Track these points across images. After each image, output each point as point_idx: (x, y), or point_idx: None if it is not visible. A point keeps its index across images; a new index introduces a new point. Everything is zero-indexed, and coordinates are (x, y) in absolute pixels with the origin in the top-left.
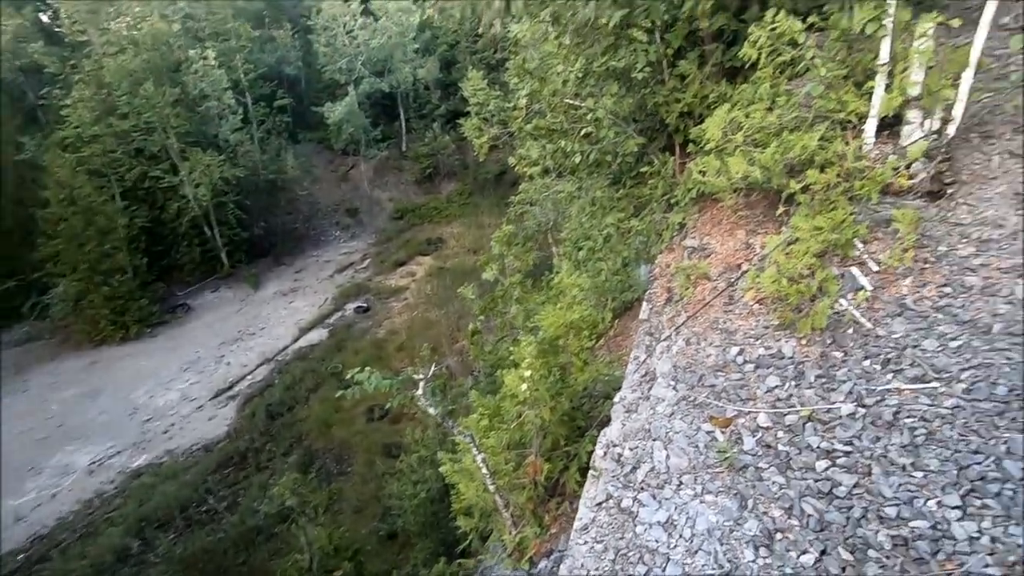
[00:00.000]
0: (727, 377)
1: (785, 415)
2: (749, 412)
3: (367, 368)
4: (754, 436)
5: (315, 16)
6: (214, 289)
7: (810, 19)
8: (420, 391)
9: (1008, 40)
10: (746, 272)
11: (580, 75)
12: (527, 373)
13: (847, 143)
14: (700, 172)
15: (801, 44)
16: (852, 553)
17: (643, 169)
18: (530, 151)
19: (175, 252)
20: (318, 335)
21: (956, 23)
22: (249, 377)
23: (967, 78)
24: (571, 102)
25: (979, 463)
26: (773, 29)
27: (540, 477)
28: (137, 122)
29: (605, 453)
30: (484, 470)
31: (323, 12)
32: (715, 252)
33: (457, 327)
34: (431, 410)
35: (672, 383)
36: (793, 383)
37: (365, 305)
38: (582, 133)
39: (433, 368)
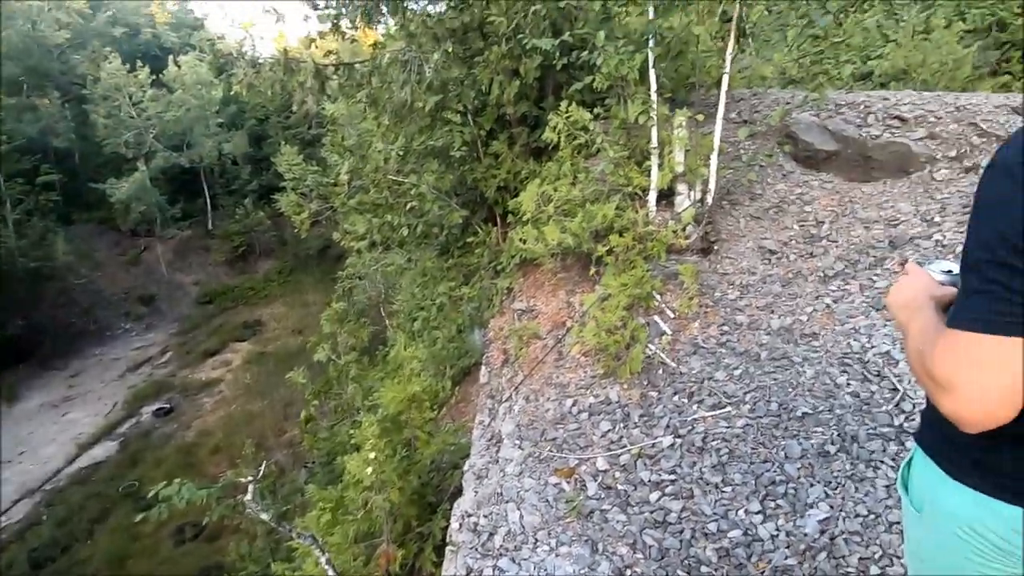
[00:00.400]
0: (566, 428)
1: (619, 456)
2: (589, 458)
3: (176, 480)
4: (596, 480)
5: (91, 85)
6: None
7: (596, 110)
8: (249, 495)
9: (737, 130)
10: (570, 328)
11: (401, 153)
12: (372, 455)
13: (637, 211)
14: (520, 240)
15: (591, 130)
16: (688, 573)
17: (469, 239)
18: (356, 226)
19: None
20: (104, 450)
21: (700, 117)
22: (2, 519)
23: (713, 159)
24: (394, 178)
25: (768, 470)
26: (568, 117)
27: (394, 566)
28: None
29: (460, 525)
30: (331, 572)
31: (102, 81)
32: (542, 312)
33: (284, 416)
34: (263, 515)
35: (517, 442)
36: (622, 425)
37: (167, 406)
38: (407, 208)
39: (263, 466)
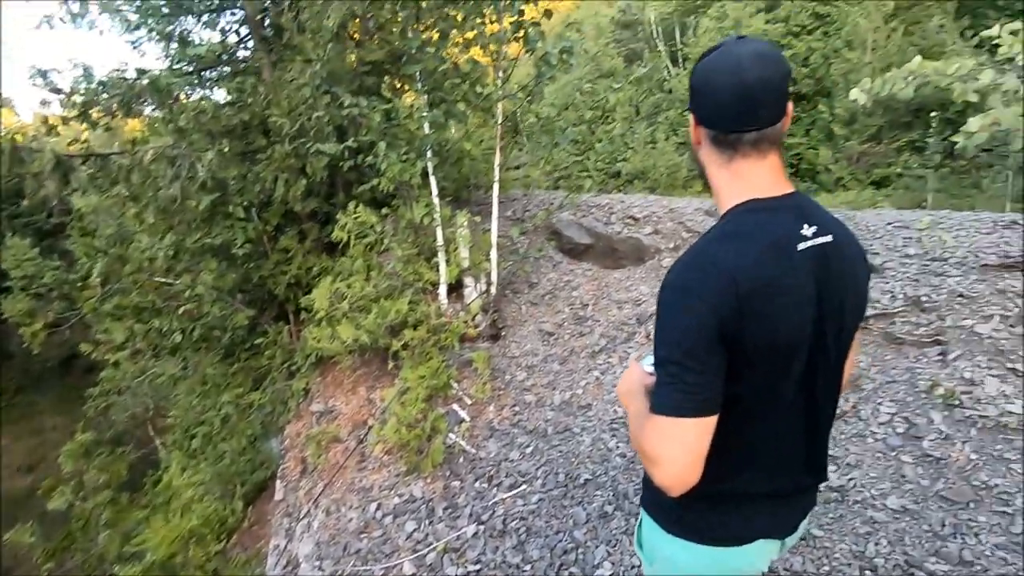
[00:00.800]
0: (370, 537)
1: (425, 555)
2: (395, 565)
3: None
4: None
5: None
6: None
7: (385, 210)
8: None
9: (511, 228)
10: (371, 427)
11: (171, 252)
12: None
13: (429, 304)
14: (315, 339)
15: (379, 230)
16: None
17: (258, 340)
18: (112, 333)
19: None
20: None
21: (477, 219)
22: None
23: (493, 254)
24: (162, 279)
25: (560, 540)
26: (356, 217)
27: None
28: None
29: None
30: None
31: None
32: (342, 412)
33: None
34: None
35: (317, 564)
36: (427, 522)
37: None
38: (180, 311)
39: None
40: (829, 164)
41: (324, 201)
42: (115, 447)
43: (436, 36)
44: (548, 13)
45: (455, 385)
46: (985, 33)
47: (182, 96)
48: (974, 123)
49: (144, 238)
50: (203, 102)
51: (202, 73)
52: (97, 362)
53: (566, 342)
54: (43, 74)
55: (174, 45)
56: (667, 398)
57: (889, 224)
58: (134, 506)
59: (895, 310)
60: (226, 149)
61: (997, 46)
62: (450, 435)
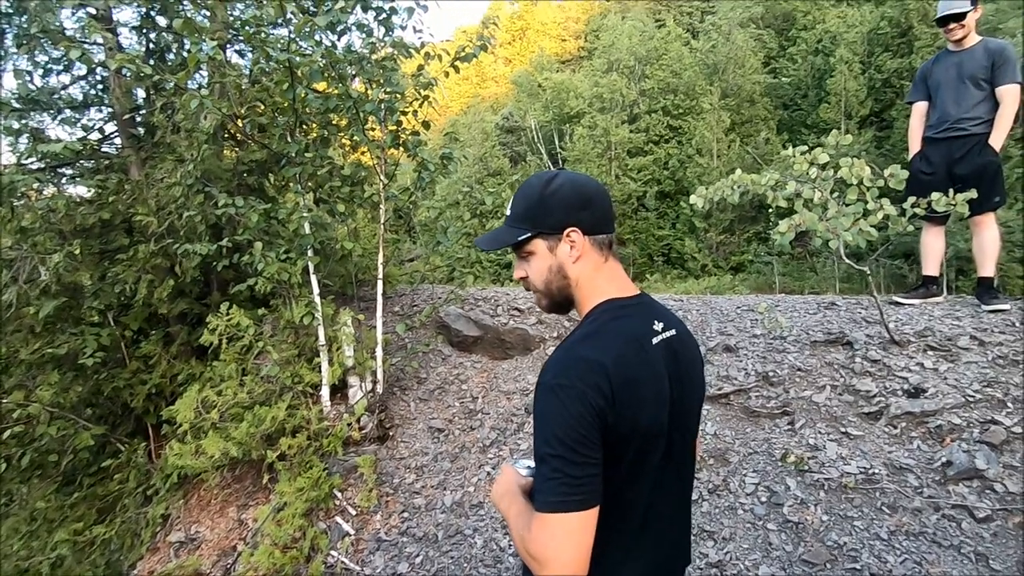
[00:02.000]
0: None
1: None
2: None
3: None
4: None
5: None
6: None
7: (262, 310)
8: None
9: (397, 324)
10: (240, 553)
11: (1, 365)
12: None
13: (310, 408)
14: (176, 455)
15: (253, 332)
16: None
17: (106, 463)
18: None
19: None
20: None
21: (362, 317)
22: None
23: (379, 352)
24: None
25: None
26: (229, 319)
27: None
28: None
29: None
30: None
31: None
32: (206, 540)
33: None
34: None
35: None
36: None
37: None
38: (6, 435)
39: None
40: (695, 253)
41: (195, 302)
42: None
43: (316, 138)
44: (426, 124)
45: (338, 495)
46: (783, 152)
47: (31, 194)
48: (783, 225)
49: None
50: (54, 199)
51: (56, 170)
52: None
53: (456, 438)
54: None
55: (24, 141)
56: (552, 494)
57: (739, 308)
58: None
59: (749, 386)
60: (77, 251)
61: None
62: (332, 552)
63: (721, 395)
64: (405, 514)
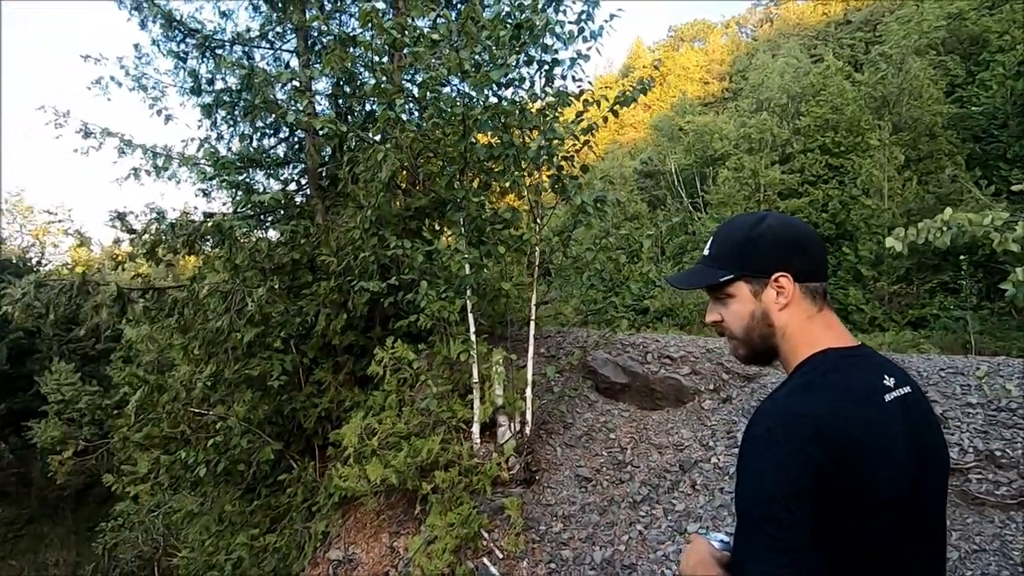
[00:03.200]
0: None
1: None
2: None
3: None
4: None
5: None
6: None
7: (421, 345)
8: None
9: (546, 365)
10: None
11: (210, 383)
12: None
13: (462, 444)
14: (341, 477)
15: (414, 366)
16: None
17: (281, 476)
18: (138, 464)
19: None
20: None
21: (514, 357)
22: None
23: (528, 393)
24: (196, 410)
25: None
26: (393, 352)
27: None
28: None
29: None
30: None
31: None
32: (362, 562)
33: None
34: None
35: None
36: None
37: None
38: (210, 443)
39: None
40: (861, 304)
41: (361, 335)
42: None
43: (477, 184)
44: (584, 168)
45: (486, 535)
46: (1017, 187)
47: (241, 237)
48: (1021, 272)
49: (184, 368)
50: (259, 242)
51: (262, 217)
52: (115, 494)
53: (604, 489)
54: (121, 217)
55: (240, 193)
56: (762, 561)
57: (942, 370)
58: None
59: (968, 465)
60: (276, 286)
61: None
62: None
63: None
64: (552, 565)
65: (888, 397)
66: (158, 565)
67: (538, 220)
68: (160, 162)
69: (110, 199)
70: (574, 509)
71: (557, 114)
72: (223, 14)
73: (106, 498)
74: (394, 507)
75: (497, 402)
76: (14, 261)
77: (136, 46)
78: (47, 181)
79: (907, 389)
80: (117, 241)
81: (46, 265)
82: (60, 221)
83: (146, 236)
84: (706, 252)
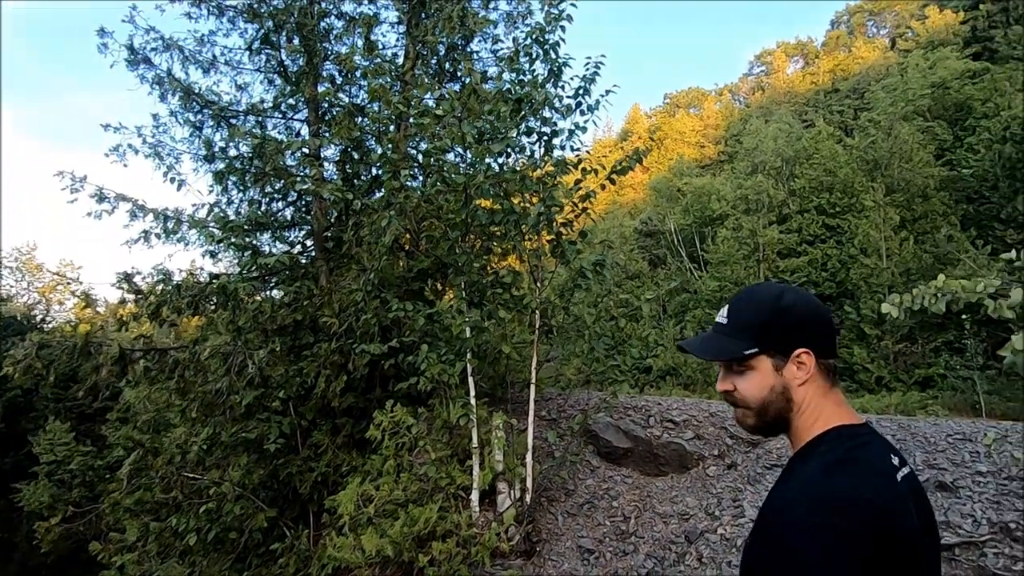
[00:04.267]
0: None
1: None
2: None
3: None
4: None
5: None
6: None
7: (421, 409)
8: None
9: (547, 430)
10: None
11: (205, 446)
12: None
13: (460, 512)
14: (335, 547)
15: (413, 431)
16: None
17: (273, 546)
18: (127, 531)
19: None
20: None
21: (514, 421)
22: None
23: (529, 459)
24: (190, 475)
25: None
26: (392, 416)
27: None
28: None
29: None
30: None
31: None
32: None
33: None
34: None
35: None
36: None
37: None
38: (202, 509)
39: None
40: (866, 363)
41: (361, 397)
42: None
43: (479, 248)
44: (583, 234)
45: None
46: (1004, 256)
47: (245, 298)
48: (1018, 341)
49: (180, 430)
50: (263, 303)
51: (267, 278)
52: (100, 562)
53: (608, 562)
54: (128, 278)
55: (247, 255)
56: None
57: (950, 436)
58: None
59: (983, 538)
60: (277, 347)
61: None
62: None
63: (944, 547)
64: None
65: (898, 476)
66: None
67: (538, 283)
68: (170, 225)
69: (119, 259)
70: None
71: (556, 182)
72: (239, 87)
73: (90, 564)
74: None
75: (497, 468)
76: (18, 318)
77: (155, 116)
78: (58, 240)
79: (908, 469)
80: (123, 301)
81: (50, 323)
82: (69, 281)
83: (152, 297)
84: (723, 321)
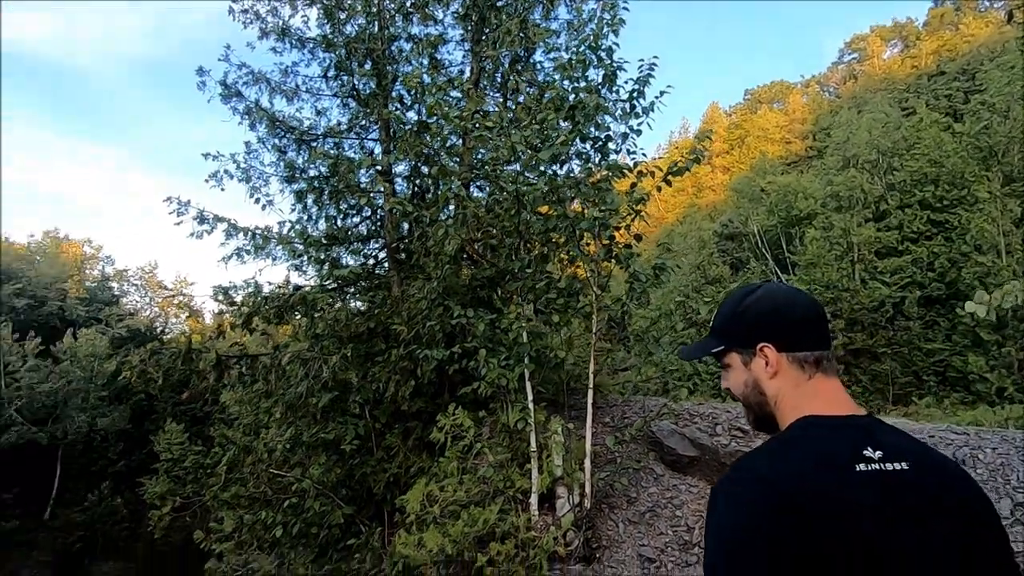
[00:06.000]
0: None
1: None
2: None
3: None
4: None
5: None
6: None
7: (482, 413)
8: None
9: (609, 436)
10: None
11: (288, 445)
12: None
13: (519, 515)
14: (403, 544)
15: (471, 434)
16: None
17: (350, 541)
18: (224, 524)
19: None
20: None
21: (572, 426)
22: None
23: (587, 464)
24: (276, 472)
25: None
26: (454, 419)
27: None
28: None
29: None
30: None
31: None
32: None
33: None
34: None
35: None
36: None
37: None
38: (286, 504)
39: None
40: (984, 372)
41: (430, 401)
42: None
43: (536, 255)
44: (638, 237)
45: None
46: None
47: (324, 307)
48: None
49: (271, 431)
50: (339, 312)
51: (344, 289)
52: (209, 551)
53: (669, 572)
54: (225, 291)
55: (326, 267)
56: None
57: None
58: None
59: None
60: (350, 353)
61: None
62: None
63: None
64: None
65: (861, 467)
66: None
67: (595, 289)
68: (259, 242)
69: (221, 274)
70: None
71: (610, 185)
72: (319, 112)
73: (202, 554)
74: None
75: (556, 472)
76: (142, 331)
77: (247, 144)
78: (172, 259)
79: (900, 465)
80: (221, 312)
81: (168, 333)
82: (182, 295)
83: (244, 308)
84: (711, 324)
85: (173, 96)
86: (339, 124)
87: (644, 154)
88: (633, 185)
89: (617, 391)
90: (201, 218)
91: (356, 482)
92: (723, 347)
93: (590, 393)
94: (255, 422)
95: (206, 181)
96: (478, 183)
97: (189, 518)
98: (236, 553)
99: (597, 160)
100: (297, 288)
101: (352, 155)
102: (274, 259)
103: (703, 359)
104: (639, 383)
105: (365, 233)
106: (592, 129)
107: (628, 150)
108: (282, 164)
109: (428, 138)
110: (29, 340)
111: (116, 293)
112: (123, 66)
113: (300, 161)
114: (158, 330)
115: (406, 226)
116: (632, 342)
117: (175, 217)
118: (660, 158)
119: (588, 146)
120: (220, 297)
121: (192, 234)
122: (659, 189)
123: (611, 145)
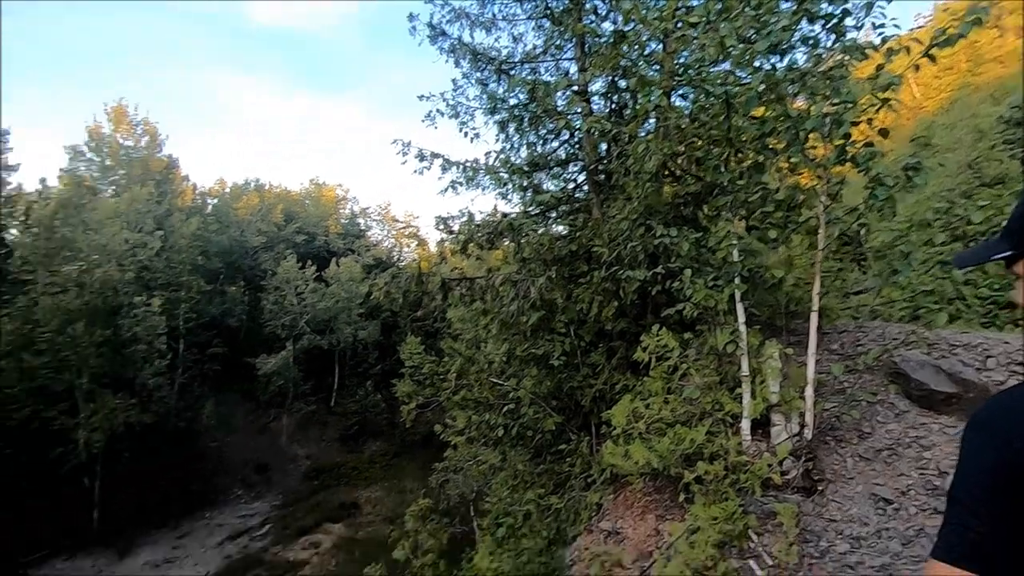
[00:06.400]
0: None
1: None
2: None
3: None
4: None
5: (269, 277)
6: (69, 556)
7: (688, 334)
8: None
9: (834, 364)
10: (655, 560)
11: (504, 358)
12: None
13: (729, 438)
14: (610, 454)
15: (677, 355)
16: None
17: (561, 446)
18: (457, 421)
19: (34, 504)
20: None
21: (789, 351)
22: None
23: (809, 392)
24: (495, 380)
25: None
26: (658, 340)
27: None
28: (51, 359)
29: None
30: None
31: (277, 275)
32: (628, 537)
33: None
34: None
35: None
36: None
37: None
38: (505, 409)
39: None
40: None
41: (634, 322)
42: (443, 518)
43: (749, 165)
44: (884, 132)
45: (754, 537)
46: None
47: (529, 232)
48: None
49: (489, 345)
50: (543, 236)
51: (546, 214)
52: (446, 442)
53: (912, 517)
54: (444, 221)
55: (529, 194)
56: (943, 542)
57: None
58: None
59: None
60: (554, 275)
61: None
62: None
63: None
64: None
65: None
66: (474, 506)
67: (823, 199)
68: (469, 174)
69: (441, 206)
70: (867, 531)
71: (846, 73)
72: (515, 39)
73: (443, 446)
74: (660, 491)
75: (771, 399)
76: (384, 259)
77: (454, 81)
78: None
79: None
80: (442, 241)
81: (402, 261)
82: (411, 226)
83: (460, 235)
84: (1005, 225)
85: (393, 45)
86: (535, 48)
87: (897, 26)
88: (879, 68)
89: (849, 315)
90: (420, 156)
91: (565, 394)
92: (1014, 252)
93: (813, 316)
94: (476, 337)
95: (422, 121)
96: (681, 91)
97: (430, 414)
98: (467, 446)
99: (830, 43)
100: (504, 215)
101: (548, 79)
102: (483, 189)
103: (983, 269)
104: (877, 307)
105: (564, 157)
106: (824, 4)
107: (873, 23)
108: (485, 96)
109: (625, 48)
110: (308, 268)
111: (363, 228)
112: (349, 25)
113: (500, 91)
114: (395, 258)
115: (604, 146)
116: (870, 260)
117: (401, 157)
118: (920, 28)
119: (818, 27)
120: (440, 227)
121: (415, 171)
122: (917, 68)
123: (849, 21)
